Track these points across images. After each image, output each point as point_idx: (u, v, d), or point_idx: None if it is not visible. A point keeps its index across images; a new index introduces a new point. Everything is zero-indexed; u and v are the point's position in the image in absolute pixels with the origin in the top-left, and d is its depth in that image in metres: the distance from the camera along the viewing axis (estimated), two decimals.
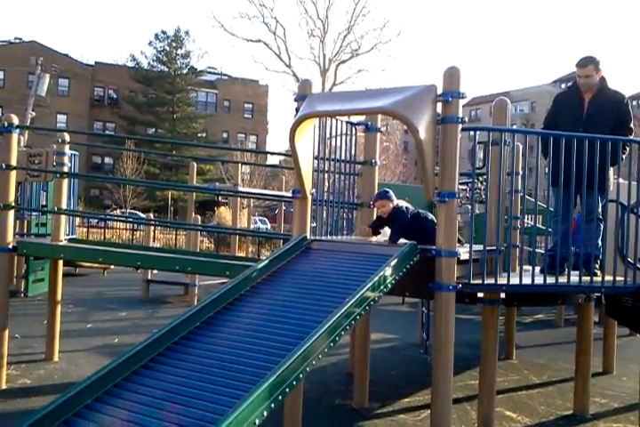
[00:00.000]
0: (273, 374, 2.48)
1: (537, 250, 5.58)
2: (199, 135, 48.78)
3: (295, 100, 4.27)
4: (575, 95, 5.15)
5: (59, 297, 6.25)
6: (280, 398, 2.50)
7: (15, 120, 5.16)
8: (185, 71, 48.42)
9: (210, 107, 52.83)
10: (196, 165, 11.21)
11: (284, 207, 14.94)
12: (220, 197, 22.59)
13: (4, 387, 5.18)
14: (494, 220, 4.10)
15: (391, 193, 4.50)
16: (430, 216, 4.51)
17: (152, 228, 13.26)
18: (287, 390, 2.54)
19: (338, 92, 4.45)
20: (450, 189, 3.64)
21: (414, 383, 5.84)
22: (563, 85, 73.33)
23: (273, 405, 2.46)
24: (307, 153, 4.10)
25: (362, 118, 5.02)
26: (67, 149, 6.07)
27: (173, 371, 2.77)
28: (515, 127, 5.27)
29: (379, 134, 5.03)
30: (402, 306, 10.74)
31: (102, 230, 19.58)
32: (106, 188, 35.84)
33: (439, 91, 3.63)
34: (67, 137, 6.06)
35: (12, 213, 5.25)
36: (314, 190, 4.32)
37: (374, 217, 4.82)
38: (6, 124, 5.08)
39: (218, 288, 10.90)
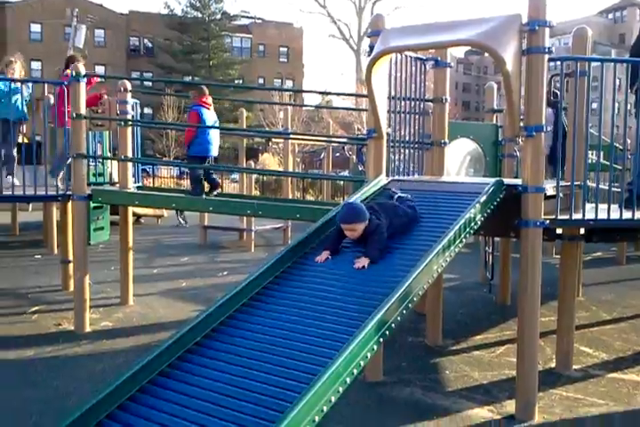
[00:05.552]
0: (377, 313, 2.45)
1: (602, 186, 5.41)
2: (236, 81, 48.33)
3: (368, 36, 4.15)
4: None
5: (130, 243, 6.40)
6: (381, 340, 2.48)
7: (82, 70, 5.17)
8: (219, 16, 47.58)
9: (245, 52, 52.04)
10: (245, 111, 11.14)
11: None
12: (269, 143, 22.56)
13: (88, 330, 5.41)
14: (581, 154, 3.97)
15: (365, 212, 3.22)
16: (403, 206, 3.54)
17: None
18: (387, 332, 2.51)
19: (412, 26, 4.23)
20: (536, 122, 3.52)
21: (484, 322, 5.88)
22: (610, 16, 69.67)
23: (375, 347, 2.44)
24: (383, 92, 4.00)
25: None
26: (129, 97, 6.08)
27: (257, 328, 2.73)
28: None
29: (449, 70, 4.86)
30: None
31: (152, 179, 19.84)
32: (148, 137, 36.06)
33: (524, 20, 3.48)
34: (128, 85, 6.07)
35: (85, 162, 5.34)
36: (389, 130, 4.24)
37: (339, 234, 3.35)
38: (74, 74, 5.10)
39: (272, 233, 10.92)
